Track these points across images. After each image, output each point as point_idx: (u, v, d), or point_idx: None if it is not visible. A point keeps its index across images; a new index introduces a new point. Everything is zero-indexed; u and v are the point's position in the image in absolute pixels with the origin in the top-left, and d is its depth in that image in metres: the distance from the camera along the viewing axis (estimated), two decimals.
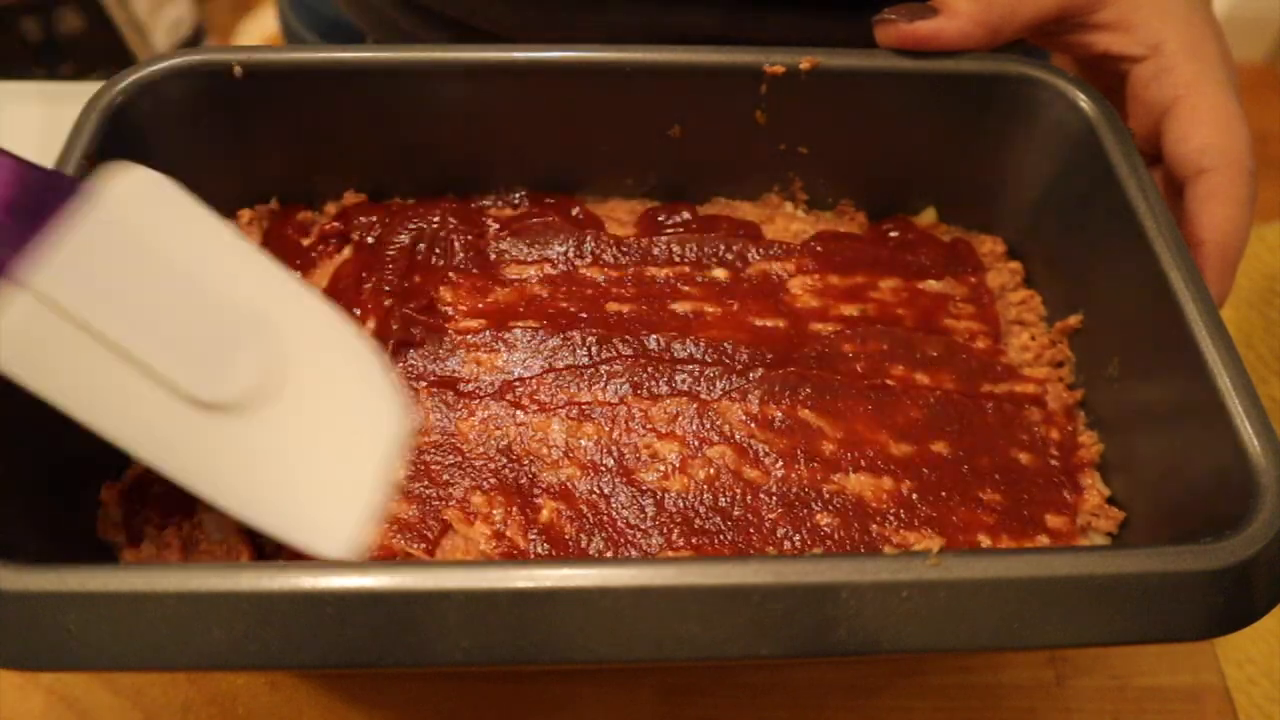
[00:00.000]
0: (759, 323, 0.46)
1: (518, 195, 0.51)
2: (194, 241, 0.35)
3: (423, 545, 0.39)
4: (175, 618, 0.30)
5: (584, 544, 0.39)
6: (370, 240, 0.49)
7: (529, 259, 0.49)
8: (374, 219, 0.49)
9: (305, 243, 0.49)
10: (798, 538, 0.40)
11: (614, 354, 0.45)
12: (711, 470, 0.41)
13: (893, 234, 0.51)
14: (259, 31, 1.67)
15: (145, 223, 0.34)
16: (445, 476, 0.41)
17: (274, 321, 0.36)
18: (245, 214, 0.50)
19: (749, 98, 0.47)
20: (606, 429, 0.42)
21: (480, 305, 0.47)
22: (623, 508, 0.40)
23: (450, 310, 0.46)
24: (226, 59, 0.45)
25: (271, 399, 0.35)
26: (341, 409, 0.37)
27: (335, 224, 0.49)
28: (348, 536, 0.34)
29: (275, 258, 0.47)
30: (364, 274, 0.47)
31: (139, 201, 0.34)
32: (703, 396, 0.43)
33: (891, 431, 0.43)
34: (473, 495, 0.40)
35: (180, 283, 0.34)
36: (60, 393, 0.32)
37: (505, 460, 0.41)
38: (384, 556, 0.39)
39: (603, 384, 0.44)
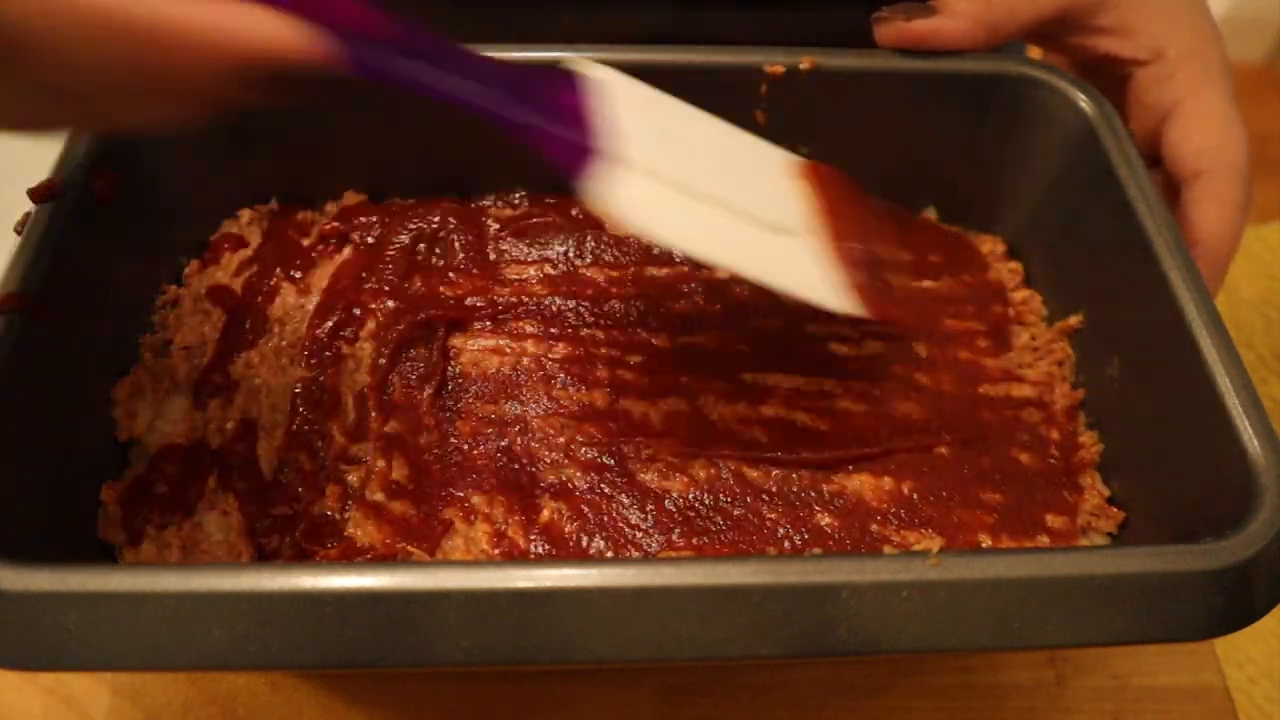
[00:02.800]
0: (758, 322, 0.46)
1: (518, 195, 0.51)
2: (676, 113, 0.40)
3: (423, 545, 0.39)
4: (175, 618, 0.30)
5: (584, 544, 0.39)
6: (370, 240, 0.49)
7: (529, 259, 0.49)
8: (374, 219, 0.49)
9: (305, 243, 0.49)
10: (798, 538, 0.40)
11: (614, 354, 0.45)
12: (712, 470, 0.41)
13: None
14: None
15: (642, 97, 0.39)
16: (446, 476, 0.41)
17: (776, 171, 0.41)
18: (245, 214, 0.50)
19: (749, 98, 0.47)
20: (607, 429, 0.42)
21: (481, 305, 0.47)
22: (623, 508, 0.40)
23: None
24: None
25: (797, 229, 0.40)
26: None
27: (335, 224, 0.49)
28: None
29: (275, 258, 0.48)
30: (364, 274, 0.47)
31: (622, 84, 0.38)
32: (702, 396, 0.43)
33: (891, 432, 0.43)
34: (473, 495, 0.40)
35: (703, 138, 0.39)
36: (667, 234, 0.36)
37: (505, 460, 0.41)
38: (384, 556, 0.39)
39: (603, 384, 0.44)
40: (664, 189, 0.36)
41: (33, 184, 0.40)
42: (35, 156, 0.42)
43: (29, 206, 0.39)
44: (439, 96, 0.33)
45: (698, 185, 0.37)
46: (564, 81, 0.37)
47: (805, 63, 0.45)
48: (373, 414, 0.43)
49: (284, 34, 0.28)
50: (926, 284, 0.49)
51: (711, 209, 0.37)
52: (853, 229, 0.42)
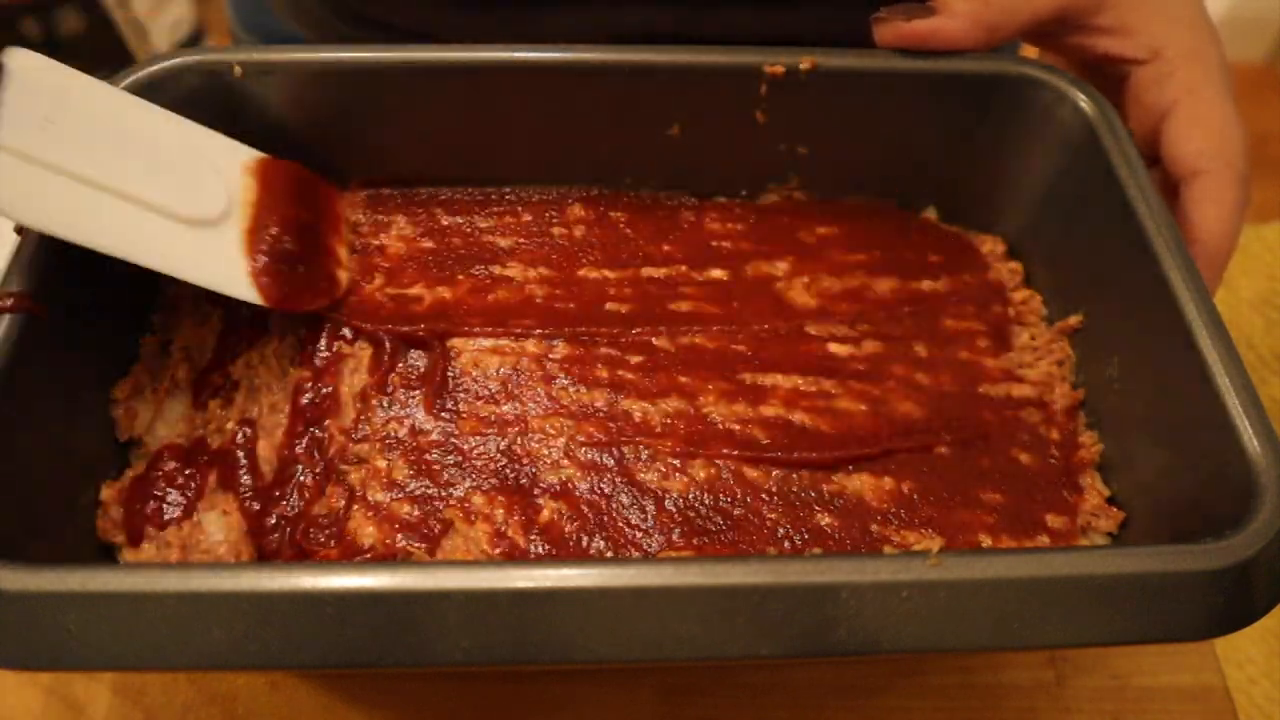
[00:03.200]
0: (758, 323, 0.46)
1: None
2: (103, 105, 0.41)
3: (424, 545, 0.39)
4: (175, 618, 0.30)
5: (584, 544, 0.39)
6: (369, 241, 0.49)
7: (530, 259, 0.49)
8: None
9: None
10: (798, 538, 0.40)
11: (614, 354, 0.45)
12: (712, 470, 0.41)
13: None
14: None
15: (62, 85, 0.40)
16: (446, 476, 0.41)
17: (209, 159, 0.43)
18: None
19: (749, 98, 0.47)
20: (607, 429, 0.42)
21: (480, 305, 0.47)
22: (623, 508, 0.40)
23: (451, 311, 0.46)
24: (226, 59, 0.45)
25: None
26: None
27: None
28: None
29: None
30: (363, 274, 0.47)
31: (42, 71, 0.40)
32: (702, 396, 0.43)
33: (891, 432, 0.43)
34: (473, 495, 0.40)
35: (130, 130, 0.41)
36: (52, 223, 0.37)
37: (506, 460, 0.41)
38: (384, 556, 0.39)
39: (603, 384, 0.44)
40: (52, 177, 0.38)
41: None
42: None
43: None
44: None
45: (99, 177, 0.39)
46: None
47: (805, 63, 0.45)
48: (373, 414, 0.43)
49: None
50: (926, 284, 0.49)
51: (111, 200, 0.39)
52: (281, 220, 0.44)
